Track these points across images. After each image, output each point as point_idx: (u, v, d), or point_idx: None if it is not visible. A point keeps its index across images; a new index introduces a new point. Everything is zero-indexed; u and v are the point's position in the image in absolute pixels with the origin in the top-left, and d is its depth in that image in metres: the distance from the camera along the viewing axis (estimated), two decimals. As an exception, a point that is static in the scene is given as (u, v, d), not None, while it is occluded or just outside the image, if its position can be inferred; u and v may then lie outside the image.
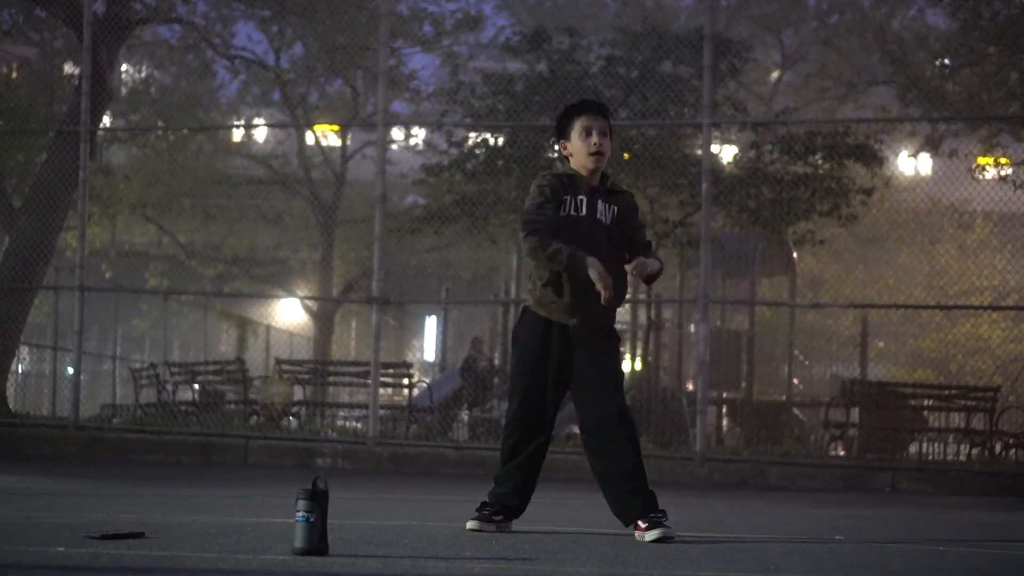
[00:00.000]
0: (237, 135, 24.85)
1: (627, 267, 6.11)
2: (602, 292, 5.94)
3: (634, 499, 6.10)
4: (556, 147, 6.41)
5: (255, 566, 4.76)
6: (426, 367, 27.95)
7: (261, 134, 24.93)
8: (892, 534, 7.40)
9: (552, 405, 6.30)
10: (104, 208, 22.10)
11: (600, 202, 6.24)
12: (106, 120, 21.35)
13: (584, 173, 6.26)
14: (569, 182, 6.24)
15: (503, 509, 6.35)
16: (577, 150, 6.24)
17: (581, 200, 6.20)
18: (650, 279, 6.34)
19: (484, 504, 6.36)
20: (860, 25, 21.89)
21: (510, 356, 6.69)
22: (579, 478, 13.57)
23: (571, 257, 6.00)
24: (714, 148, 15.46)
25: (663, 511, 6.05)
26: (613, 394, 6.21)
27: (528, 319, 6.32)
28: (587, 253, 6.04)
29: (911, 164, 26.74)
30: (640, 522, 6.02)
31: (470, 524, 6.28)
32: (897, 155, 21.95)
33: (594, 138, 6.19)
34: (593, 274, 5.94)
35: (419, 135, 22.80)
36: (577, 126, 6.24)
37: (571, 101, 6.72)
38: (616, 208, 6.29)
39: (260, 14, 21.73)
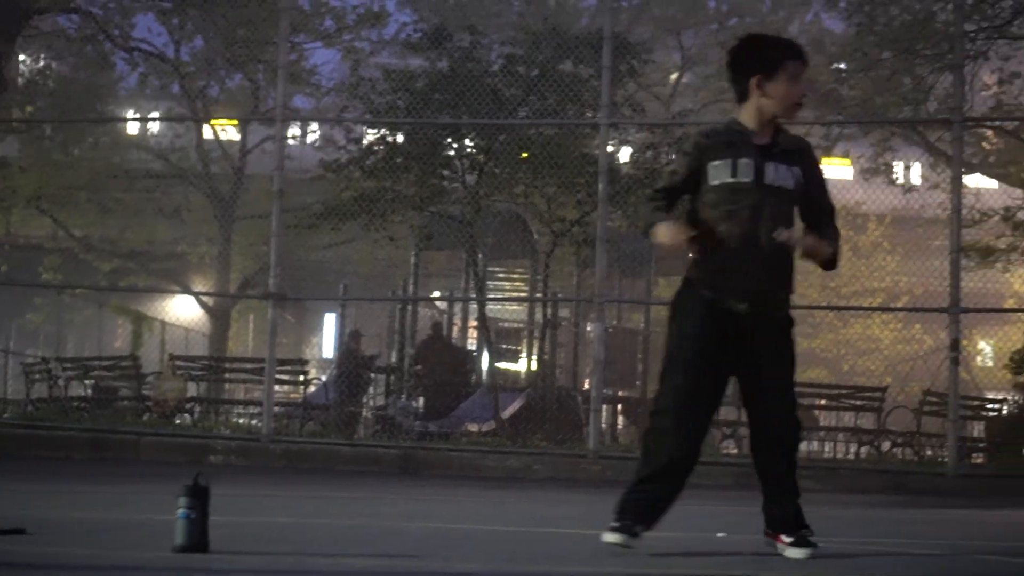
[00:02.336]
0: (135, 128, 24.54)
1: (785, 237, 5.27)
2: (693, 252, 5.23)
3: (788, 510, 5.59)
4: (750, 82, 5.43)
5: (134, 563, 4.74)
6: (324, 364, 27.84)
7: (159, 127, 24.65)
8: (775, 531, 7.50)
9: (713, 398, 5.48)
10: (-2, 200, 21.75)
11: (775, 165, 5.36)
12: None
13: (760, 125, 5.42)
14: (729, 140, 5.39)
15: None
16: (781, 96, 5.40)
17: (745, 163, 5.33)
18: (825, 264, 5.59)
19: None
20: (759, 28, 22.13)
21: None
22: (472, 475, 13.63)
23: (649, 216, 5.36)
24: (611, 148, 15.56)
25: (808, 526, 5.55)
26: (786, 396, 5.53)
27: (688, 295, 5.45)
28: (751, 233, 5.28)
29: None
30: (784, 536, 5.58)
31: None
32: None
33: (802, 87, 5.44)
34: (662, 238, 5.27)
35: (319, 131, 22.70)
36: (790, 68, 5.43)
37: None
38: (798, 168, 5.42)
39: (160, 6, 21.51)
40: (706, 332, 5.35)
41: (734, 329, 5.35)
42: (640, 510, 5.45)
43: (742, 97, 5.49)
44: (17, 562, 4.62)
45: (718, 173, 5.35)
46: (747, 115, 5.46)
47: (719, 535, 6.76)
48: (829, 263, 5.58)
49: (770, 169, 5.34)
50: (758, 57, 5.48)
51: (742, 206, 5.30)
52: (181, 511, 4.94)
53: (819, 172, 5.55)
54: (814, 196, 5.52)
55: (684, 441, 5.43)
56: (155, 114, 24.01)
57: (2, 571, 4.47)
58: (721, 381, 5.47)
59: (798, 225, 5.54)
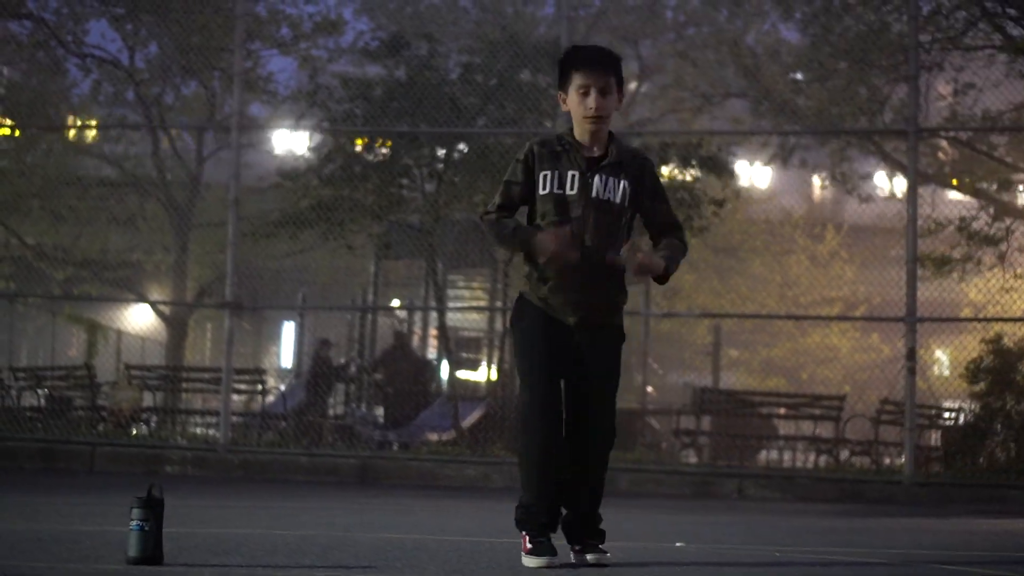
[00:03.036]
0: (88, 135, 24.34)
1: (623, 255, 5.32)
2: (571, 258, 5.19)
3: (591, 519, 5.56)
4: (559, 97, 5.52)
5: (87, 575, 4.66)
6: (282, 373, 27.70)
7: (113, 135, 24.45)
8: (732, 539, 7.51)
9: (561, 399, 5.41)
10: (-52, 208, 21.50)
11: (602, 177, 5.35)
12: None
13: (587, 137, 5.40)
14: (560, 151, 5.39)
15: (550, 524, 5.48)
16: (573, 110, 5.40)
17: (572, 176, 5.34)
18: (657, 279, 5.46)
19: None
20: (716, 38, 22.20)
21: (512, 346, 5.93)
22: (430, 484, 13.58)
23: (516, 231, 5.33)
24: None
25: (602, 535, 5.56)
26: (608, 403, 5.48)
27: (527, 308, 5.46)
28: (575, 242, 5.27)
29: (764, 176, 27.24)
30: (577, 544, 5.54)
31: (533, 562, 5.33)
32: (751, 167, 22.34)
33: (591, 100, 5.33)
34: (541, 248, 5.22)
35: (275, 139, 22.58)
36: (575, 81, 5.38)
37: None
38: (627, 182, 5.37)
39: (114, 11, 21.31)
40: (545, 341, 5.36)
41: (566, 338, 5.38)
42: (540, 526, 5.41)
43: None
44: (-36, 575, 4.54)
45: (546, 183, 5.37)
46: (575, 128, 5.47)
47: (678, 544, 6.74)
48: (662, 278, 5.48)
49: (597, 182, 5.35)
50: (560, 71, 5.50)
51: (568, 218, 5.32)
52: (135, 523, 4.87)
53: (655, 186, 5.51)
54: (648, 210, 5.49)
55: (552, 447, 5.39)
56: (109, 120, 23.81)
57: (-51, 585, 4.39)
58: (563, 386, 5.44)
59: (645, 242, 5.54)
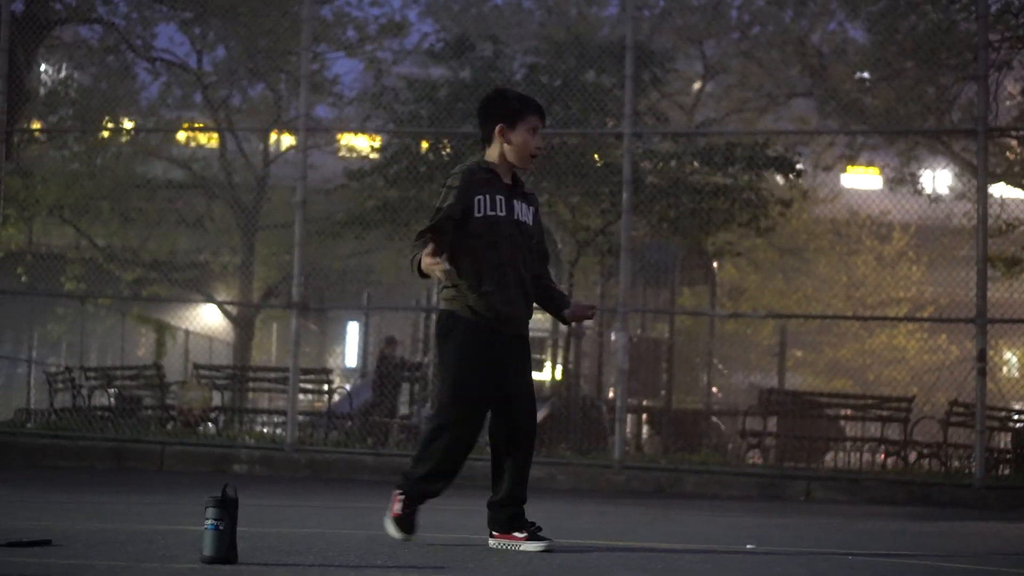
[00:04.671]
0: (157, 137, 24.60)
1: (568, 313, 6.08)
2: (440, 276, 5.71)
3: (519, 509, 6.04)
4: (494, 128, 6.01)
5: (162, 575, 4.72)
6: (347, 373, 27.84)
7: (182, 137, 24.71)
8: (803, 543, 7.47)
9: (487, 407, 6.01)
10: (21, 210, 21.78)
11: (519, 203, 6.01)
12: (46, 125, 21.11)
13: (503, 167, 6.01)
14: (487, 178, 5.96)
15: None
16: (520, 145, 5.99)
17: (500, 200, 5.94)
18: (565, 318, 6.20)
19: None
20: (781, 38, 22.07)
21: (435, 358, 6.58)
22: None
23: (414, 252, 5.83)
24: (635, 158, 15.54)
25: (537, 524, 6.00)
26: (533, 406, 6.07)
27: (458, 323, 5.94)
28: (508, 260, 5.87)
29: (830, 175, 27.07)
30: (517, 532, 5.96)
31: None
32: (816, 166, 22.20)
33: (538, 140, 6.03)
34: (426, 261, 5.66)
35: (342, 140, 22.72)
36: (529, 122, 6.00)
37: (506, 87, 6.61)
38: (533, 209, 6.09)
39: (182, 16, 21.54)
40: (475, 350, 5.90)
41: (494, 345, 5.92)
42: (422, 496, 6.11)
43: (487, 141, 6.07)
44: (44, 574, 4.60)
45: (481, 206, 5.89)
46: (492, 156, 6.04)
47: (748, 547, 6.72)
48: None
49: (517, 206, 6.00)
50: (503, 108, 6.05)
51: (501, 237, 5.90)
52: (209, 522, 4.91)
53: (539, 219, 6.18)
54: (538, 239, 6.14)
55: (464, 453, 6.04)
56: (181, 123, 24.05)
57: (29, 583, 4.46)
58: (492, 392, 5.95)
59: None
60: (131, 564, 4.93)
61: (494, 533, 6.04)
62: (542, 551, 5.82)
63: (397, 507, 6.05)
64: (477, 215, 5.88)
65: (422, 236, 5.85)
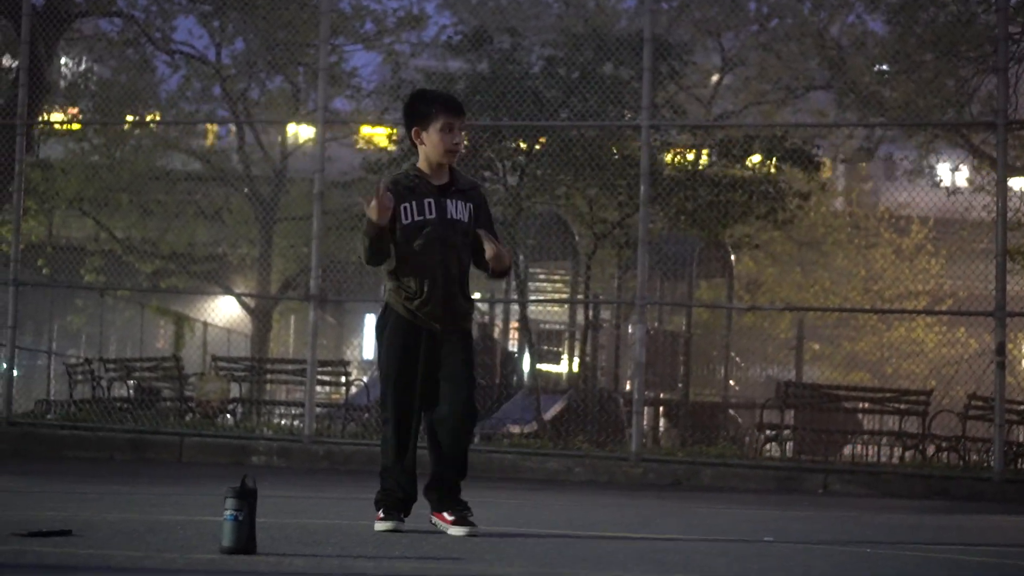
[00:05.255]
0: (175, 129, 24.67)
1: (488, 255, 6.12)
2: (375, 213, 5.92)
3: (455, 490, 6.27)
4: (411, 132, 6.24)
5: (181, 565, 4.75)
6: (364, 365, 27.88)
7: (200, 130, 24.76)
8: (820, 536, 7.47)
9: (421, 398, 6.23)
10: (41, 202, 21.87)
11: (451, 201, 6.20)
12: (60, 116, 21.18)
13: (431, 169, 6.21)
14: (413, 185, 6.19)
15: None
16: (433, 144, 6.16)
17: (428, 203, 6.15)
18: (501, 271, 6.29)
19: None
20: (799, 30, 22.00)
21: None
22: (512, 477, 13.61)
23: (366, 230, 6.03)
24: (653, 150, 15.51)
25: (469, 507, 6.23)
26: (467, 393, 6.26)
27: (392, 316, 6.25)
28: (440, 262, 6.11)
29: (848, 168, 27.00)
30: (447, 514, 6.19)
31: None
32: (834, 159, 22.15)
33: (456, 136, 6.16)
34: (369, 213, 5.94)
35: (362, 132, 22.74)
36: (439, 121, 6.15)
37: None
38: (472, 204, 6.25)
39: (201, 8, 21.59)
40: (407, 346, 6.18)
41: (425, 341, 6.19)
42: (396, 501, 6.30)
43: (413, 145, 6.30)
44: (65, 564, 4.64)
45: (408, 213, 6.13)
46: (421, 161, 6.26)
47: (766, 539, 6.72)
48: (501, 272, 6.31)
49: (449, 206, 6.17)
50: (415, 111, 6.24)
51: (430, 239, 6.12)
52: (229, 513, 4.94)
53: (488, 210, 6.38)
54: (483, 226, 6.26)
55: (405, 441, 6.27)
56: (198, 116, 24.12)
57: (50, 573, 4.48)
58: (421, 384, 6.21)
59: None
60: (151, 554, 4.96)
61: (432, 513, 6.29)
62: (466, 535, 6.02)
63: (379, 515, 6.31)
64: (405, 222, 6.12)
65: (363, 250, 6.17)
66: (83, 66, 23.58)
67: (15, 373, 15.85)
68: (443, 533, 6.11)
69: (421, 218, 6.12)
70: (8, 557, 4.70)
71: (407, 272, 6.16)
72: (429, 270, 6.13)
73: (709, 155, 17.42)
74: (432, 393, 6.22)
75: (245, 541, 4.95)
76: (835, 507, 11.16)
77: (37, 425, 15.57)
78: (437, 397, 6.21)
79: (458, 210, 6.19)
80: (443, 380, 6.20)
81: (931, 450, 16.65)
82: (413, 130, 6.21)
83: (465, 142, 6.37)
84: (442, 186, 6.21)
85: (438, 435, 6.25)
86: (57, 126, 21.34)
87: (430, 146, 6.18)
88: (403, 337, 6.20)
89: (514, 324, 20.76)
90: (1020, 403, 17.32)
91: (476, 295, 22.85)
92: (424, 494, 6.31)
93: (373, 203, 5.94)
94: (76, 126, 21.89)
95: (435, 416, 6.24)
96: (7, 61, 21.17)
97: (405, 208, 6.12)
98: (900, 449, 17.04)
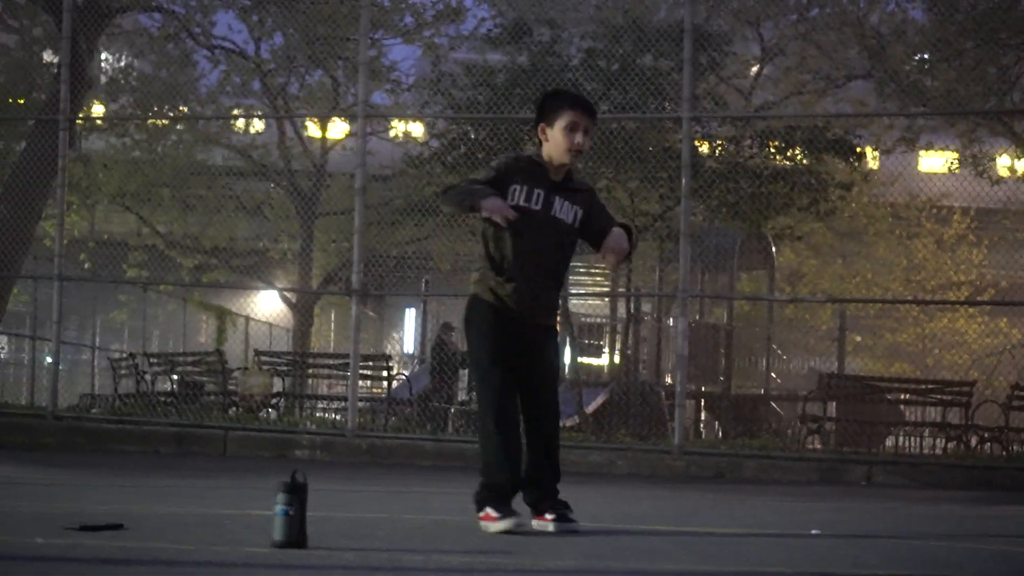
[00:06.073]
0: (216, 124, 24.80)
1: (607, 256, 6.06)
2: (499, 221, 5.86)
3: (553, 492, 6.16)
4: (538, 128, 6.21)
5: (234, 558, 4.78)
6: (405, 359, 27.96)
7: (240, 124, 24.88)
8: (867, 527, 7.44)
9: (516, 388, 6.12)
10: (83, 197, 22.05)
11: (560, 200, 6.14)
12: (98, 111, 21.31)
13: (553, 165, 6.15)
14: (531, 170, 6.13)
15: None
16: (556, 142, 6.10)
17: (538, 194, 6.09)
18: (624, 254, 6.13)
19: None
20: (839, 19, 21.87)
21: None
22: (567, 471, 13.61)
23: (474, 191, 5.93)
24: (694, 142, 15.47)
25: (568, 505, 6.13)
26: (555, 393, 6.27)
27: (481, 307, 6.14)
28: (534, 252, 6.02)
29: (889, 158, 26.85)
30: (547, 514, 6.06)
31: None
32: (875, 149, 22.03)
33: (578, 136, 6.09)
34: (488, 205, 5.85)
35: (399, 126, 22.78)
36: (565, 118, 6.10)
37: (559, 87, 6.65)
38: (580, 209, 6.19)
39: (241, 3, 21.68)
40: (499, 337, 6.08)
41: (517, 334, 6.10)
42: (506, 496, 6.05)
43: (540, 140, 6.21)
44: (117, 558, 4.68)
45: (515, 195, 6.06)
46: (544, 154, 6.17)
47: (814, 532, 6.70)
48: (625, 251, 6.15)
49: (557, 203, 6.12)
50: (544, 107, 6.21)
51: (530, 229, 6.05)
52: (279, 507, 4.97)
53: (599, 207, 6.31)
54: (598, 221, 6.23)
55: (511, 432, 6.08)
56: (237, 111, 24.25)
57: (103, 567, 4.53)
58: (515, 375, 6.11)
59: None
60: (202, 547, 5.00)
61: (533, 517, 6.12)
62: (561, 531, 5.94)
63: (489, 516, 6.01)
64: (510, 202, 6.02)
65: (448, 192, 6.13)
66: (123, 61, 23.73)
67: (60, 367, 15.97)
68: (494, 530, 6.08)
69: (526, 205, 6.05)
70: (62, 551, 4.75)
71: (500, 252, 6.09)
72: (521, 256, 6.05)
73: (750, 146, 17.36)
74: (519, 384, 6.12)
75: (296, 535, 4.98)
76: (879, 499, 11.11)
77: (82, 419, 15.69)
78: (522, 389, 6.12)
79: (563, 209, 6.13)
80: (529, 376, 6.13)
81: (974, 441, 16.57)
82: (540, 126, 6.17)
83: (588, 144, 6.20)
84: (555, 182, 6.15)
85: (529, 438, 6.17)
86: (99, 122, 21.48)
87: (553, 143, 6.12)
88: (493, 323, 6.08)
89: (556, 311, 20.76)
90: (1064, 393, 17.20)
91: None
92: (520, 488, 6.15)
93: (497, 207, 5.85)
94: (126, 120, 22.02)
95: (525, 420, 6.17)
96: (49, 56, 21.35)
97: (514, 189, 6.06)
98: (943, 440, 16.96)
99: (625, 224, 6.27)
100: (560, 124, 6.11)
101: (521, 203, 6.03)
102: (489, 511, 5.99)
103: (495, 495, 6.01)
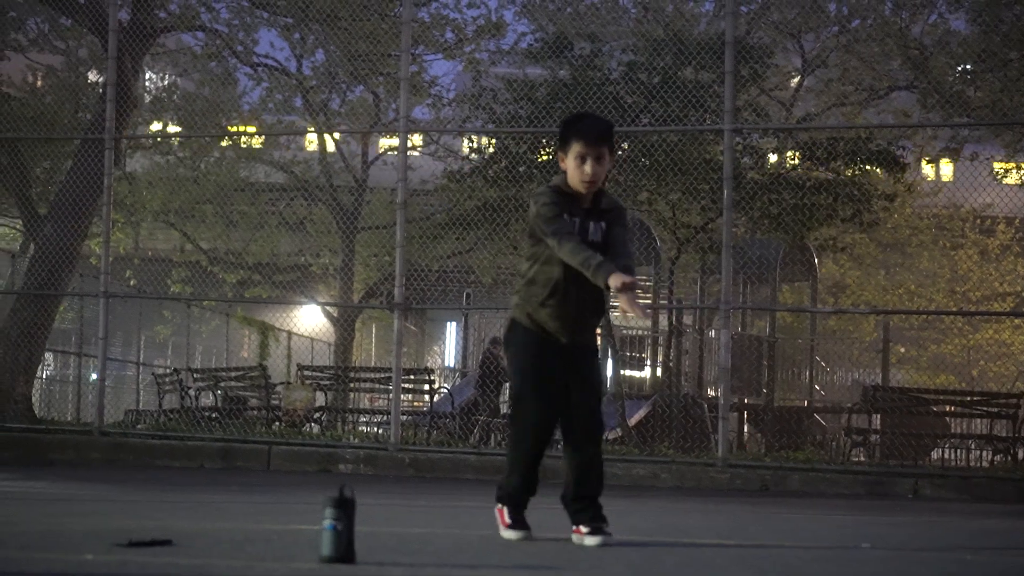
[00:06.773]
0: (258, 141, 24.94)
1: (622, 303, 5.93)
2: (628, 307, 5.85)
3: (596, 505, 6.18)
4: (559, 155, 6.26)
5: (284, 574, 4.78)
6: (447, 373, 27.97)
7: (283, 140, 25.01)
8: (917, 541, 7.38)
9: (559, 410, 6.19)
10: (128, 215, 22.22)
11: (593, 224, 6.16)
12: (150, 129, 21.46)
13: (576, 193, 6.15)
14: (568, 200, 6.13)
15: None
16: (571, 173, 6.11)
17: (575, 221, 6.11)
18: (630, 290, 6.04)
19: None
20: (881, 30, 21.79)
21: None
22: (611, 484, 13.58)
23: (600, 266, 5.91)
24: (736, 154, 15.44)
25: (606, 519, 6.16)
26: (597, 411, 6.26)
27: (520, 329, 6.24)
28: (573, 278, 6.05)
29: (933, 169, 26.69)
30: (583, 527, 6.09)
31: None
32: (919, 160, 21.91)
33: (587, 167, 6.04)
34: (615, 282, 5.82)
35: (441, 141, 22.84)
36: (574, 149, 6.07)
37: (590, 107, 6.63)
38: (604, 224, 6.20)
39: (283, 21, 21.81)
40: (539, 357, 6.16)
41: (557, 355, 6.17)
42: (520, 509, 6.31)
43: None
44: (167, 574, 4.69)
45: None
46: (569, 181, 6.15)
47: (864, 546, 6.65)
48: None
49: (591, 227, 6.14)
50: (561, 136, 6.18)
51: None
52: (328, 523, 4.97)
53: (621, 226, 6.24)
54: (613, 237, 6.20)
55: (538, 455, 6.24)
56: (279, 127, 24.37)
57: (154, 582, 4.54)
58: (553, 394, 6.17)
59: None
60: (251, 563, 5.00)
61: (572, 528, 6.19)
62: (599, 545, 5.97)
63: (503, 517, 6.31)
64: None
65: (563, 242, 6.00)
66: (167, 80, 23.91)
67: (105, 384, 16.07)
68: (550, 541, 6.09)
69: None
70: (112, 568, 4.76)
71: (545, 275, 6.14)
72: (561, 283, 6.08)
73: (792, 158, 17.31)
74: (561, 405, 6.18)
75: (344, 550, 4.98)
76: (927, 512, 11.02)
77: (128, 435, 15.79)
78: (564, 409, 6.17)
79: (596, 232, 6.15)
80: (572, 394, 6.15)
81: (1022, 454, 16.42)
82: (559, 155, 6.18)
83: (606, 169, 6.14)
84: (587, 209, 6.16)
85: (571, 450, 6.20)
86: (145, 141, 21.64)
87: (570, 173, 6.12)
88: (535, 348, 6.17)
89: (597, 330, 20.74)
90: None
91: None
92: (562, 502, 6.25)
93: (634, 303, 5.82)
94: (172, 139, 22.18)
95: (565, 429, 6.21)
96: (94, 76, 21.53)
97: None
98: (990, 453, 16.82)
99: (628, 265, 6.16)
100: (571, 155, 6.09)
101: None
102: (504, 512, 6.28)
103: (512, 504, 6.29)
